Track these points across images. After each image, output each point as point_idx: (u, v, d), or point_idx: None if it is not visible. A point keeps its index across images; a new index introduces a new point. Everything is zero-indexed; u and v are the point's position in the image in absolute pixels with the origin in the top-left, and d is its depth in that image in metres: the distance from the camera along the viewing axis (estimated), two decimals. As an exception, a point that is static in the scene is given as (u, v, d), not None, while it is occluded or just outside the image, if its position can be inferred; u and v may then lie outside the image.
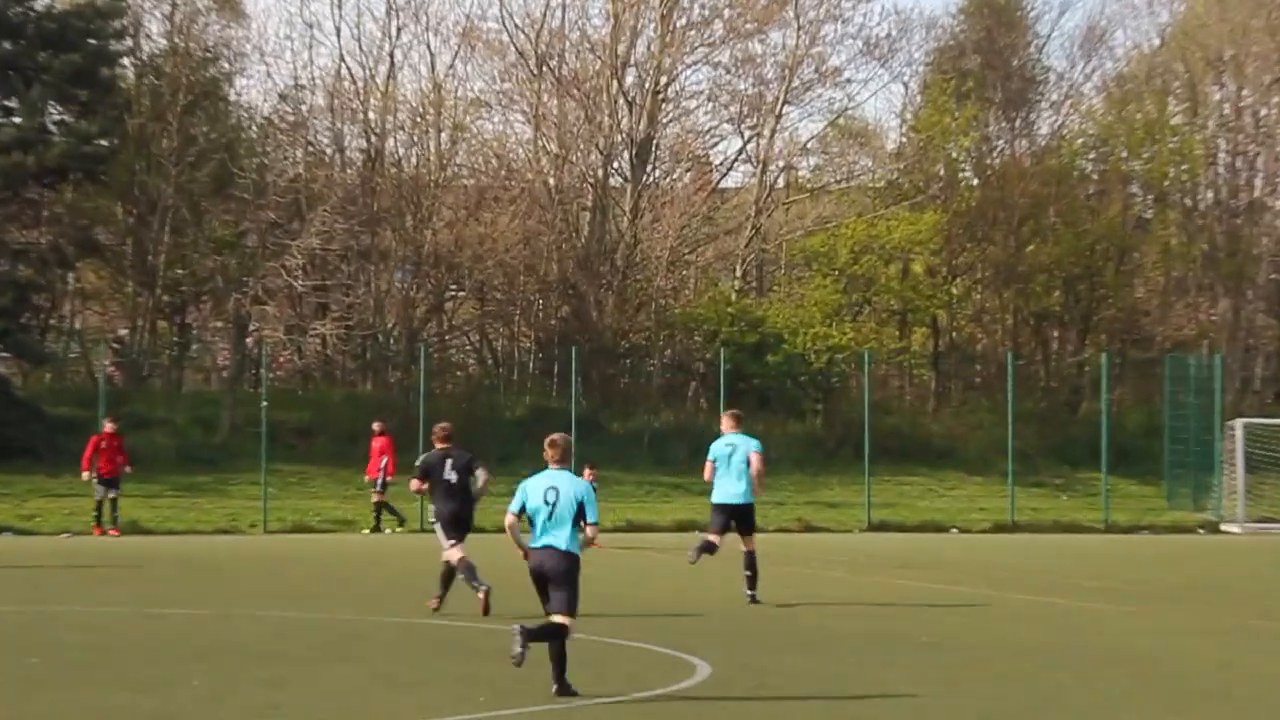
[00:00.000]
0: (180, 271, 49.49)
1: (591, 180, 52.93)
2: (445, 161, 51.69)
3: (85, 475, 35.45)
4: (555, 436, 14.39)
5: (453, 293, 52.13)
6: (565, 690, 13.77)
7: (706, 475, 21.85)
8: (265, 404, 40.78)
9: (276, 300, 47.73)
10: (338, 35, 55.74)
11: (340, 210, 47.87)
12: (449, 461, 20.34)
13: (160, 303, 50.21)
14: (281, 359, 51.61)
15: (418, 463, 21.50)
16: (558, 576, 13.87)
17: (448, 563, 20.23)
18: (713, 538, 21.76)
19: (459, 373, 54.05)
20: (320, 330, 48.42)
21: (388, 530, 36.76)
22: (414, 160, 51.93)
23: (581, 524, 14.07)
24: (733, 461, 21.51)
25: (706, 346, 50.18)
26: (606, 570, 26.82)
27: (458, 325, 54.23)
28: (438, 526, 20.53)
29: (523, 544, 14.13)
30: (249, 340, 49.90)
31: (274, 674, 15.06)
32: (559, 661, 13.79)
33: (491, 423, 46.28)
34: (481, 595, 19.77)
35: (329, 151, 52.22)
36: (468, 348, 55.58)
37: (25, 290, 45.96)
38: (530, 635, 13.67)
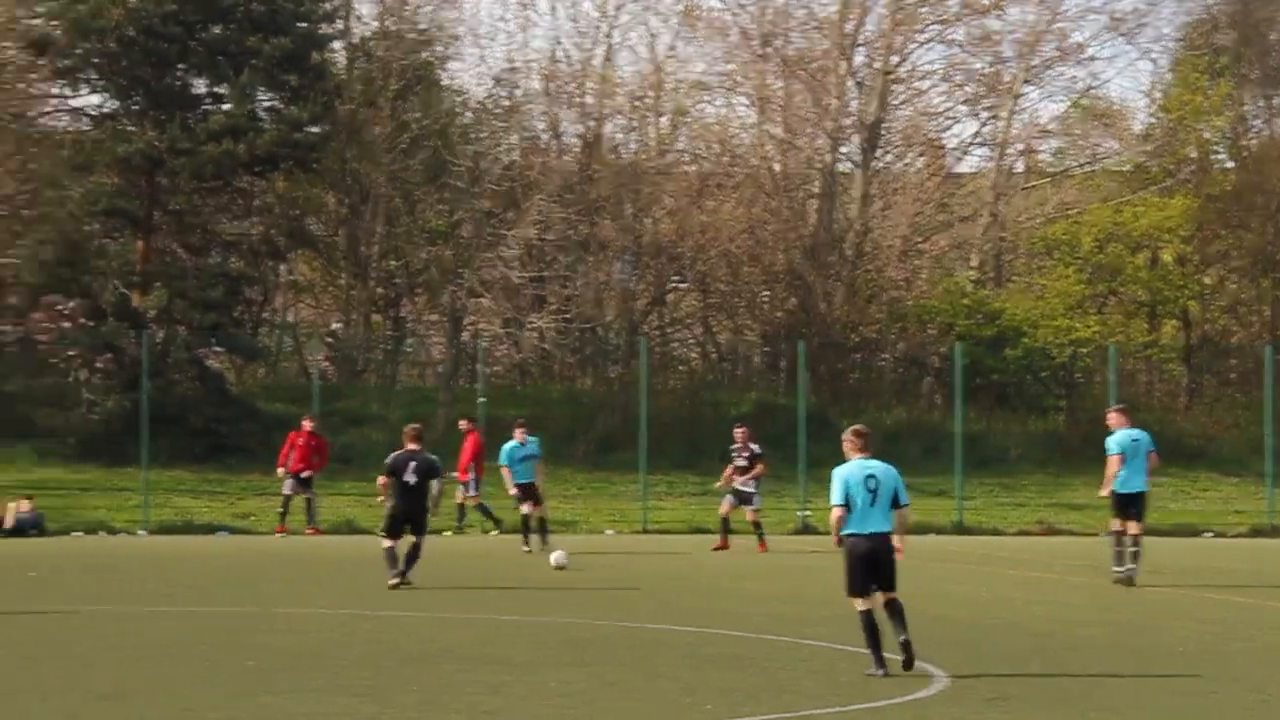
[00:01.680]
0: (394, 263, 49.72)
1: (819, 166, 52.42)
2: (665, 147, 51.69)
3: (280, 471, 35.52)
4: (861, 427, 15.66)
5: (674, 284, 52.03)
6: (912, 663, 15.19)
7: (1113, 469, 24.27)
8: (482, 400, 40.43)
9: (493, 292, 47.63)
10: (553, 16, 55.06)
11: (557, 199, 47.81)
12: (413, 464, 22.58)
13: (374, 295, 50.14)
14: (498, 353, 51.18)
15: (387, 460, 23.34)
16: (888, 559, 15.33)
17: (390, 548, 22.87)
18: (1132, 528, 24.34)
19: (681, 368, 53.86)
20: (538, 323, 48.43)
21: (493, 533, 34.85)
22: (633, 146, 52.12)
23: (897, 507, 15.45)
24: (1138, 455, 24.37)
25: (941, 340, 49.64)
26: (838, 573, 26.08)
27: (679, 318, 54.04)
28: (386, 519, 23.02)
29: (838, 533, 15.40)
30: (465, 334, 49.72)
31: (492, 678, 15.10)
32: (906, 641, 15.11)
33: (715, 420, 45.70)
34: (390, 585, 22.33)
35: (545, 137, 52.35)
36: (690, 341, 55.36)
37: (237, 283, 45.90)
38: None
